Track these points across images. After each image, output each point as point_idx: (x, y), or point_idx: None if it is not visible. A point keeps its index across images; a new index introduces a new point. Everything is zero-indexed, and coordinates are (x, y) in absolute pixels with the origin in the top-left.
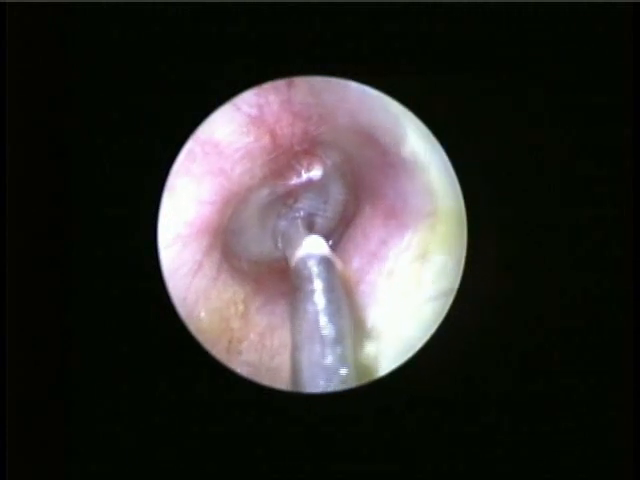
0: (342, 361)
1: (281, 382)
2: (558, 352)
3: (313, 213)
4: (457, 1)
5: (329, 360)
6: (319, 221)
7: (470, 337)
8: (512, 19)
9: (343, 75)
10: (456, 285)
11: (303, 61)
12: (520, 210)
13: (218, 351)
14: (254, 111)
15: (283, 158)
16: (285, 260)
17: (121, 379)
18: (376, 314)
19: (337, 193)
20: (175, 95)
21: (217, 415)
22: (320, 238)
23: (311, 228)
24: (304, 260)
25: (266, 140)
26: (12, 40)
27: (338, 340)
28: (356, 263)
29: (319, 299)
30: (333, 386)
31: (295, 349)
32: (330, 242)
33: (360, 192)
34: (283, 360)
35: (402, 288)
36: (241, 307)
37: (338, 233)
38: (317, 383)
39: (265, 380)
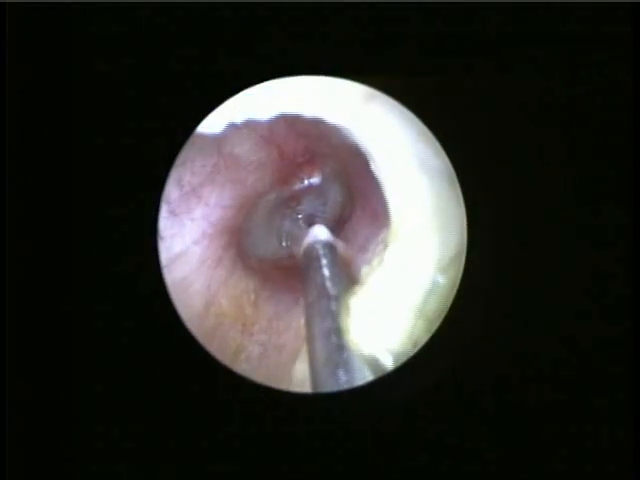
0: (341, 308)
1: (287, 354)
2: (557, 353)
3: (313, 214)
4: (457, 1)
5: (333, 307)
6: (319, 221)
7: (470, 337)
8: (512, 19)
9: (343, 75)
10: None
11: (303, 61)
12: (520, 210)
13: (234, 332)
14: (266, 133)
15: (288, 168)
16: (288, 258)
17: (121, 379)
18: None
19: (335, 196)
20: (175, 95)
21: (217, 415)
22: (324, 227)
23: (312, 227)
24: (313, 244)
25: (275, 154)
26: (12, 40)
27: (338, 296)
28: None
29: (325, 271)
30: (337, 322)
31: (308, 306)
32: None
33: (354, 195)
34: (288, 337)
35: (374, 268)
36: (252, 296)
37: (335, 232)
38: (326, 322)
39: (273, 354)
